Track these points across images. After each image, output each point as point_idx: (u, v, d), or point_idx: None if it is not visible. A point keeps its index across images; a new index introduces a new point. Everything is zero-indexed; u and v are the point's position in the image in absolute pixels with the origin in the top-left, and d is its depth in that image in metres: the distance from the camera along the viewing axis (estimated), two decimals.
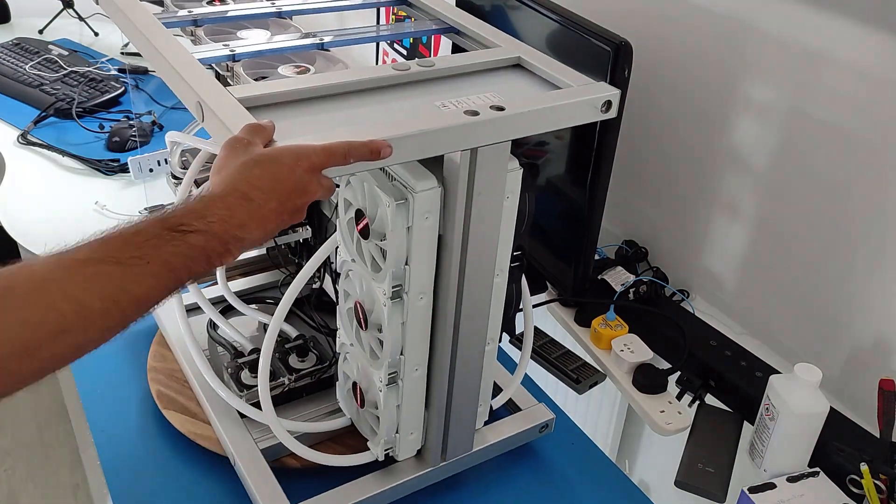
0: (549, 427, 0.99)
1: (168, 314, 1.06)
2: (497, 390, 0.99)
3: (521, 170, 0.78)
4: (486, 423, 0.95)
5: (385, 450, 0.88)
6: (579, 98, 0.75)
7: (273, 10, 0.99)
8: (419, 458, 0.90)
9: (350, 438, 0.94)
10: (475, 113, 0.69)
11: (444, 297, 0.79)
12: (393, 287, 0.76)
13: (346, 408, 0.93)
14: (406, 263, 0.75)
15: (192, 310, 1.06)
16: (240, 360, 0.97)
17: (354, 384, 0.88)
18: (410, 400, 0.84)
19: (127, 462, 0.95)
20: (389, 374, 0.81)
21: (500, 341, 0.90)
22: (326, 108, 0.74)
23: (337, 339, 0.91)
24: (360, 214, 0.77)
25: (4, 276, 0.47)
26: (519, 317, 0.95)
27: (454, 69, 0.81)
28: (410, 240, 0.74)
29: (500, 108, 0.70)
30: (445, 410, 0.86)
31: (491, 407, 0.95)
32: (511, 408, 1.00)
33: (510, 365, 1.00)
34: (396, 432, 0.86)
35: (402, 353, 0.81)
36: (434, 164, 0.74)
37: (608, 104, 0.76)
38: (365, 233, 0.77)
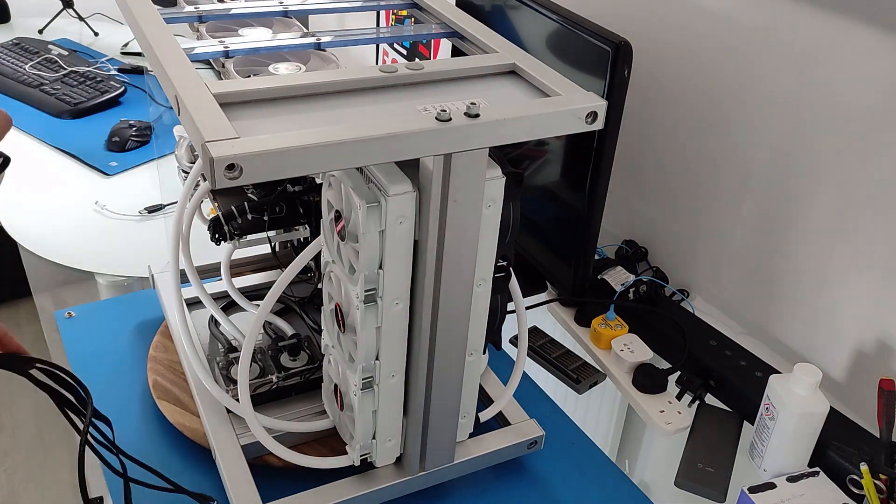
0: (539, 444, 0.96)
1: (172, 305, 1.07)
2: (490, 401, 0.99)
3: (504, 178, 0.75)
4: (472, 435, 0.93)
5: (361, 455, 0.86)
6: (561, 108, 0.73)
7: (279, 8, 0.98)
8: (398, 466, 0.89)
9: (336, 441, 0.93)
10: (448, 119, 0.67)
11: (421, 305, 0.77)
12: (366, 291, 0.75)
13: (329, 410, 0.93)
14: (380, 268, 0.74)
15: (198, 303, 1.07)
16: (231, 356, 0.98)
17: (336, 386, 0.88)
18: (387, 406, 0.83)
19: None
20: (364, 379, 0.81)
21: (484, 353, 0.89)
22: (302, 106, 0.72)
23: (322, 340, 0.91)
24: (338, 216, 0.77)
25: None
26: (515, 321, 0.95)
27: (443, 73, 0.78)
28: (384, 244, 0.73)
29: (475, 116, 0.68)
30: (423, 420, 0.85)
31: (478, 419, 0.94)
32: (502, 420, 0.99)
33: (510, 367, 0.99)
34: (373, 438, 0.85)
35: (377, 359, 0.80)
36: (412, 170, 0.73)
37: (594, 115, 0.73)
38: (342, 234, 0.76)
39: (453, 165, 0.70)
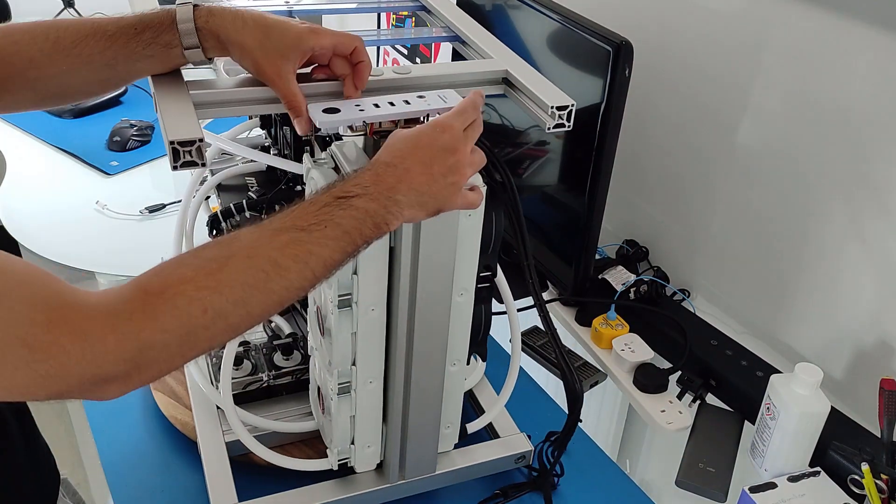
0: (527, 459, 0.95)
1: None
2: (482, 411, 0.98)
3: (486, 188, 0.74)
4: (458, 446, 0.92)
5: (340, 460, 0.86)
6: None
7: (284, 8, 0.98)
8: (378, 473, 0.89)
9: (323, 444, 0.92)
10: None
11: (397, 312, 0.77)
12: (340, 296, 0.75)
13: (314, 412, 0.92)
14: (355, 273, 0.74)
15: None
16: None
17: (318, 389, 0.88)
18: (365, 412, 0.83)
19: (128, 460, 0.95)
20: (340, 384, 0.80)
21: (468, 363, 0.87)
22: None
23: (308, 342, 0.90)
24: None
25: (225, 246, 0.59)
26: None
27: (431, 79, 0.77)
28: None
29: None
30: (402, 428, 0.84)
31: (465, 430, 0.93)
32: (492, 432, 0.98)
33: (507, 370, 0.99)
34: (352, 443, 0.85)
35: (354, 364, 0.79)
36: None
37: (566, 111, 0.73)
38: None
39: None
